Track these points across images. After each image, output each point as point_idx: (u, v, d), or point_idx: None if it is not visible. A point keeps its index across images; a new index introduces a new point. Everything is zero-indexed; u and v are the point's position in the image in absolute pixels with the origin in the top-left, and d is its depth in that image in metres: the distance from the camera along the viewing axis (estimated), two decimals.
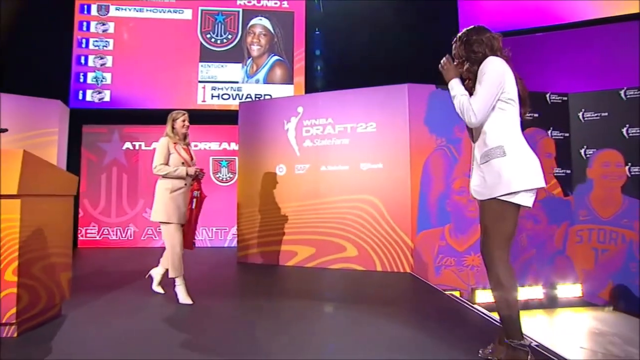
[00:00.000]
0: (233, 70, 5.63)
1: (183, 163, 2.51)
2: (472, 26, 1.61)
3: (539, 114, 3.52)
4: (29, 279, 1.75)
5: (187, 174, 2.46)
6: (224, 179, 5.45)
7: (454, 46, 1.63)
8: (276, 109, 3.95)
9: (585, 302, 3.28)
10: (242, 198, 4.05)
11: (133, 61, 5.49)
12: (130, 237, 5.21)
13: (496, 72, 1.51)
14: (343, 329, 1.97)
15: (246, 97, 5.61)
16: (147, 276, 2.71)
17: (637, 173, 3.27)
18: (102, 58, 5.49)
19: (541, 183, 1.49)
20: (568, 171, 3.50)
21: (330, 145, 3.68)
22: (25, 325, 1.77)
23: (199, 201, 2.58)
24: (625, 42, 3.80)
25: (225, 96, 5.60)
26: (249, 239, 3.95)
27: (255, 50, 5.69)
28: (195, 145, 5.41)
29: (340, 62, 5.38)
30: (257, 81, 5.67)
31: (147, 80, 5.49)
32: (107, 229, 5.20)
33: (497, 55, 1.54)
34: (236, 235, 4.18)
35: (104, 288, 2.77)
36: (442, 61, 1.64)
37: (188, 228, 2.51)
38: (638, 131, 3.30)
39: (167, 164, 2.48)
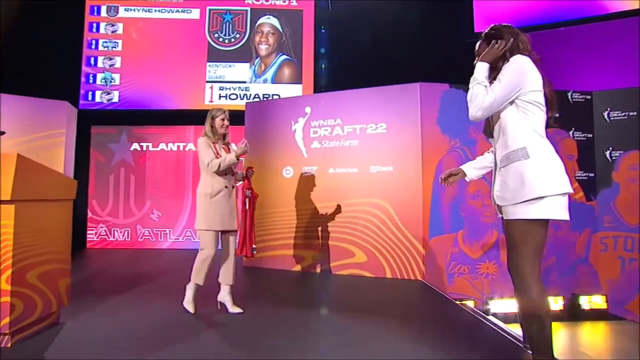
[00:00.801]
0: (241, 70, 5.57)
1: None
2: (495, 24, 1.56)
3: (560, 113, 3.30)
4: (23, 287, 1.70)
5: (237, 157, 2.25)
6: None
7: (478, 43, 1.58)
8: (283, 109, 3.87)
9: (611, 314, 3.08)
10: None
11: (141, 62, 5.49)
12: (140, 238, 5.21)
13: (517, 73, 1.43)
14: (352, 343, 1.86)
15: (254, 97, 5.54)
16: (218, 307, 2.35)
17: None
18: (111, 59, 5.51)
19: (568, 188, 1.40)
20: (591, 174, 3.30)
21: (338, 147, 3.58)
22: (19, 335, 1.72)
23: (252, 201, 2.48)
24: None
25: (233, 96, 5.55)
26: (255, 243, 3.86)
27: (263, 49, 5.62)
28: None
29: (349, 61, 5.26)
30: (265, 81, 5.60)
31: (154, 80, 5.48)
32: (115, 230, 5.21)
33: (525, 55, 1.46)
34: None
35: (108, 292, 2.72)
36: (478, 43, 1.58)
37: (244, 233, 2.40)
38: None
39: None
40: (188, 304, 2.27)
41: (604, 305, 3.06)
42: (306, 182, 3.63)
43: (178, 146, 5.37)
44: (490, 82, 1.51)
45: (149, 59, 5.49)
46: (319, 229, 3.58)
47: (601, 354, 2.71)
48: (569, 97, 3.39)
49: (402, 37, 4.95)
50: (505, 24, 1.55)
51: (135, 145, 5.34)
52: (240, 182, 2.54)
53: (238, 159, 2.28)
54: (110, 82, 5.48)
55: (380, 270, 3.32)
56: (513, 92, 1.43)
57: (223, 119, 2.40)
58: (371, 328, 2.04)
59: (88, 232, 5.16)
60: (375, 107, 3.48)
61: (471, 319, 2.32)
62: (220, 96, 5.56)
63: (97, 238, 5.19)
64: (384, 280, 3.25)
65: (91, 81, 5.48)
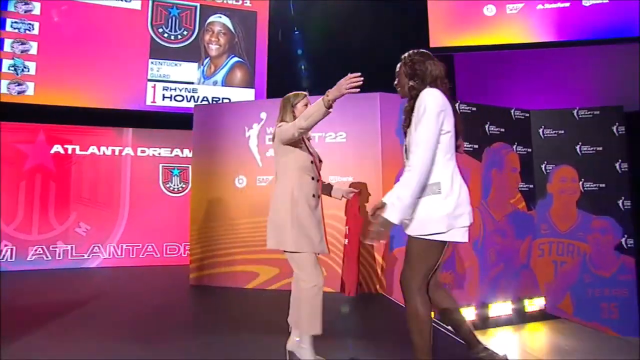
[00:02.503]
0: (188, 70, 5.15)
1: (312, 162, 1.82)
2: (416, 50, 1.63)
3: (505, 128, 3.57)
4: None
5: (327, 104, 1.57)
6: (175, 189, 4.93)
7: (398, 66, 1.64)
8: (236, 113, 3.61)
9: (548, 314, 3.33)
10: (195, 212, 3.61)
11: (66, 51, 4.74)
12: (59, 256, 4.45)
13: (436, 108, 1.47)
14: None
15: (202, 100, 5.15)
16: (287, 358, 1.83)
17: (589, 188, 3.43)
18: (23, 43, 4.67)
19: (469, 221, 1.50)
20: (531, 186, 3.58)
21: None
22: None
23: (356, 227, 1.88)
24: (579, 64, 4.05)
25: (179, 97, 5.10)
26: (204, 259, 3.53)
27: (213, 49, 5.26)
28: (143, 151, 4.83)
29: (310, 66, 5.16)
30: (215, 83, 5.25)
31: (84, 74, 4.78)
32: (27, 248, 4.39)
33: (435, 85, 1.53)
34: (188, 254, 3.75)
35: (10, 331, 2.19)
36: (398, 66, 1.63)
37: (356, 267, 1.87)
38: (589, 149, 3.48)
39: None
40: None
41: (544, 307, 3.31)
42: (261, 193, 3.42)
43: (113, 150, 4.74)
44: (409, 118, 1.55)
45: (76, 48, 4.78)
46: None
47: (542, 352, 2.90)
48: (512, 114, 3.65)
49: (362, 45, 5.00)
50: (421, 50, 1.62)
51: (58, 148, 4.59)
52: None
53: (329, 106, 1.59)
54: (23, 70, 4.65)
55: (340, 284, 3.21)
56: (439, 127, 1.47)
57: (306, 105, 1.87)
58: (332, 352, 1.90)
59: None
60: (335, 115, 3.38)
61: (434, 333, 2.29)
62: (164, 97, 5.07)
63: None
64: (344, 295, 3.14)
65: None
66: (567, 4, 3.71)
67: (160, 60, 5.07)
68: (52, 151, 4.55)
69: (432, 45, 3.90)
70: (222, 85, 5.26)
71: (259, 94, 5.28)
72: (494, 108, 3.60)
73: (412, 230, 1.50)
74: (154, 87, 5.04)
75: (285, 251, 1.74)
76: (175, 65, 5.12)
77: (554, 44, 3.78)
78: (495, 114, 3.56)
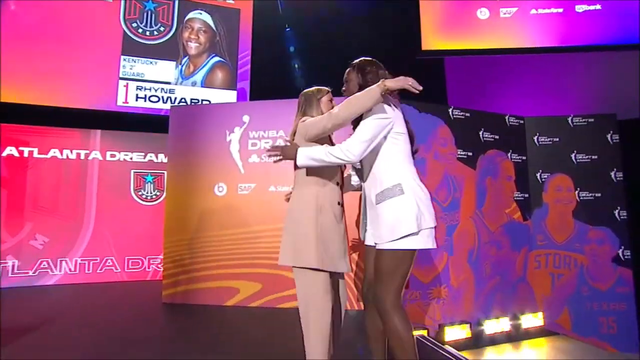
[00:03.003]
0: (165, 69, 5.08)
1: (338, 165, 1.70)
2: (368, 58, 1.73)
3: (499, 135, 3.66)
4: None
5: (384, 91, 1.47)
6: (149, 198, 4.81)
7: (347, 71, 1.73)
8: (217, 116, 3.57)
9: (546, 330, 3.38)
10: (170, 222, 3.53)
11: (27, 43, 4.58)
12: (9, 273, 4.23)
13: (379, 117, 1.56)
14: None
15: (180, 101, 5.09)
16: None
17: (585, 198, 3.54)
18: None
19: (434, 222, 1.58)
20: (526, 195, 3.66)
21: (281, 162, 3.39)
22: None
23: None
24: (573, 70, 4.22)
25: (154, 98, 5.01)
26: (179, 274, 3.43)
27: (192, 47, 5.22)
28: (113, 155, 4.71)
29: (292, 68, 5.18)
30: (194, 83, 5.20)
31: (46, 69, 4.63)
32: None
33: (384, 95, 1.58)
34: (162, 269, 3.64)
35: None
36: (347, 71, 1.73)
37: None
38: (584, 157, 3.60)
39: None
40: None
41: (541, 322, 3.35)
42: (242, 202, 3.39)
43: (78, 154, 4.59)
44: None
45: (39, 41, 4.63)
46: (258, 255, 3.31)
47: None
48: (507, 120, 3.75)
49: (351, 46, 5.05)
50: (372, 59, 1.71)
51: (12, 150, 4.40)
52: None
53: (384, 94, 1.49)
54: None
55: None
56: (381, 132, 1.57)
57: (331, 100, 1.81)
58: None
59: None
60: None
61: (427, 350, 2.28)
62: (137, 97, 4.97)
63: None
64: None
65: None
66: (560, 10, 3.88)
67: (134, 58, 4.99)
68: (4, 154, 4.36)
69: (424, 48, 4.00)
70: (202, 86, 5.21)
71: (241, 96, 5.26)
72: (488, 114, 3.69)
73: (382, 239, 1.54)
74: (127, 86, 4.94)
75: (295, 267, 1.63)
76: (151, 63, 5.04)
77: (546, 49, 3.94)
78: (489, 120, 3.65)
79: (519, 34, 4.05)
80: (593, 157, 3.51)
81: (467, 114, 3.56)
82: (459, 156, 3.48)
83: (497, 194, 3.55)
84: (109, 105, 4.81)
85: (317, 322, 1.58)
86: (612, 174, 3.46)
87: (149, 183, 4.84)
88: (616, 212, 3.40)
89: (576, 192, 3.54)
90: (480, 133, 3.59)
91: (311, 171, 1.68)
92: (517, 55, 4.14)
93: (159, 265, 4.63)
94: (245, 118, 3.49)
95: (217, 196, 3.46)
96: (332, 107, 1.80)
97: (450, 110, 3.50)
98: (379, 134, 1.56)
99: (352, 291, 3.23)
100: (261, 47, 5.34)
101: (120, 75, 4.92)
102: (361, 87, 1.65)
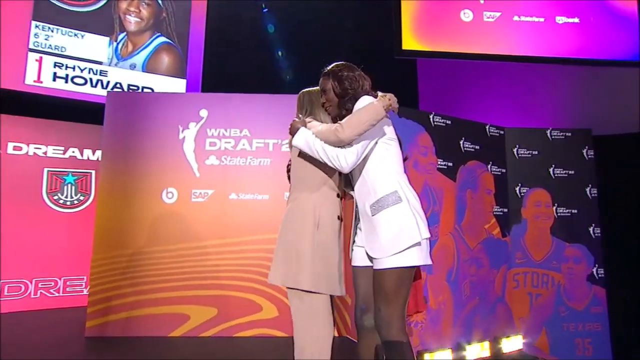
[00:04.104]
0: (95, 45, 4.80)
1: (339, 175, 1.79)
2: (341, 62, 1.84)
3: (480, 146, 3.96)
4: None
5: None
6: (68, 203, 4.50)
7: (321, 80, 1.84)
8: (169, 108, 3.49)
9: (525, 355, 3.69)
10: (102, 234, 3.35)
11: None
12: None
13: (376, 112, 1.65)
14: None
15: (114, 87, 4.85)
16: None
17: (562, 214, 3.96)
18: None
19: (428, 233, 1.69)
20: (505, 210, 4.00)
21: (244, 166, 3.41)
22: None
23: None
24: (552, 81, 4.71)
25: (79, 80, 4.71)
26: (111, 299, 3.27)
27: (132, 23, 5.01)
28: (18, 148, 4.33)
29: (265, 63, 5.16)
30: (134, 67, 4.98)
31: None
32: None
33: (371, 95, 1.73)
34: (86, 293, 3.43)
35: None
36: (321, 80, 1.84)
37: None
38: (562, 172, 4.04)
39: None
40: None
41: (521, 346, 3.66)
42: (197, 211, 3.33)
43: None
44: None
45: None
46: (214, 275, 3.25)
47: None
48: (487, 130, 4.08)
49: (329, 42, 5.17)
50: (346, 63, 1.84)
51: None
52: None
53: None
54: None
55: None
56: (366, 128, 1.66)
57: None
58: None
59: None
60: (285, 119, 3.46)
61: None
62: (56, 76, 4.63)
63: None
64: None
65: None
66: (542, 19, 4.36)
67: (51, 26, 4.62)
68: None
69: (404, 47, 4.24)
70: (143, 71, 5.02)
71: (192, 86, 5.15)
72: (470, 123, 4.00)
73: (385, 253, 1.59)
74: (39, 60, 4.55)
75: (289, 288, 1.66)
76: (75, 35, 4.73)
77: (527, 58, 4.38)
78: (470, 129, 3.95)
79: (500, 41, 4.46)
80: (570, 172, 3.94)
81: (448, 122, 3.82)
82: (439, 166, 3.72)
83: (477, 208, 3.84)
84: (13, 83, 4.41)
85: (313, 355, 1.60)
86: (588, 190, 3.92)
87: (69, 185, 4.54)
88: (591, 229, 3.84)
89: (554, 207, 3.94)
90: (461, 142, 3.88)
91: (311, 180, 1.73)
92: (496, 62, 4.54)
93: (82, 289, 4.34)
94: (203, 112, 3.45)
95: (165, 203, 3.36)
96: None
97: (431, 116, 3.73)
98: (369, 144, 1.68)
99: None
100: (218, 28, 5.25)
101: (31, 47, 4.53)
102: (340, 96, 1.76)
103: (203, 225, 3.31)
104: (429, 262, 1.69)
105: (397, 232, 1.59)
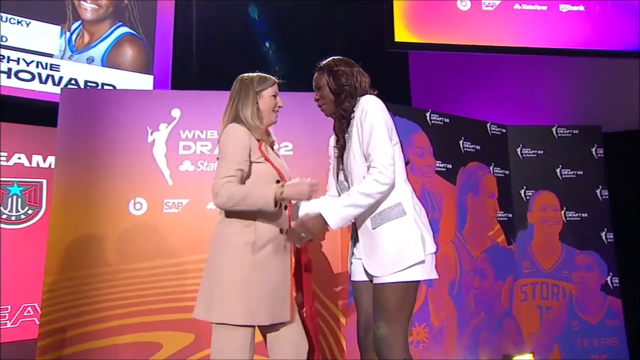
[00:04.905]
0: (44, 34, 4.67)
1: (279, 181, 1.80)
2: (338, 57, 1.89)
3: (481, 146, 4.06)
4: None
5: (277, 204, 1.66)
6: (13, 218, 4.39)
7: (315, 75, 1.89)
8: (135, 107, 3.44)
9: None
10: (54, 253, 3.25)
11: None
12: None
13: (385, 116, 1.74)
14: None
15: (68, 83, 4.74)
16: None
17: (572, 218, 4.08)
18: None
19: (435, 247, 1.75)
20: (510, 215, 4.10)
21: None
22: None
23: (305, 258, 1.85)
24: (557, 74, 4.87)
25: (25, 75, 4.60)
26: (67, 328, 3.17)
27: (88, 10, 4.92)
28: None
29: (254, 59, 5.12)
30: (91, 60, 4.89)
31: None
32: None
33: (370, 94, 1.80)
34: (36, 322, 3.29)
35: None
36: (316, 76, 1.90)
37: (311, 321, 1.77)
38: (570, 172, 4.16)
39: (242, 181, 1.70)
40: None
41: None
42: (170, 224, 3.29)
43: None
44: (342, 140, 1.83)
45: None
46: (190, 296, 3.19)
47: None
48: (488, 128, 4.18)
49: (317, 32, 5.20)
50: (343, 58, 1.90)
51: None
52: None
53: (278, 205, 1.68)
54: None
55: None
56: (391, 135, 1.75)
57: (275, 95, 1.92)
58: None
59: None
60: (278, 119, 3.47)
61: None
62: None
63: None
64: None
65: None
66: (545, 7, 4.51)
67: None
68: None
69: (397, 39, 4.32)
70: (103, 65, 4.92)
71: (160, 83, 5.08)
72: (469, 120, 4.09)
73: (384, 270, 1.63)
74: None
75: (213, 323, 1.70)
76: (19, 23, 4.61)
77: (529, 50, 4.52)
78: (470, 128, 4.04)
79: (501, 31, 4.59)
80: (578, 172, 4.07)
81: (447, 120, 3.91)
82: (438, 169, 3.79)
83: (479, 213, 3.92)
84: None
85: None
86: (598, 191, 4.05)
87: (15, 196, 4.42)
88: (603, 234, 3.97)
89: (562, 211, 4.06)
90: (461, 142, 3.97)
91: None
92: (497, 54, 4.67)
93: (31, 317, 4.22)
94: (175, 112, 3.41)
95: (133, 215, 3.30)
96: (275, 105, 1.94)
97: (427, 114, 3.81)
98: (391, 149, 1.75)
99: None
100: (190, 17, 5.21)
101: None
102: (336, 92, 1.79)
103: (177, 240, 3.26)
104: (435, 275, 1.73)
105: (400, 248, 1.63)
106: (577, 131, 4.14)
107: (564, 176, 4.15)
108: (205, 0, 5.28)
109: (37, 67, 4.66)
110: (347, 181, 1.84)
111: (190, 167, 3.37)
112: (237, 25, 5.22)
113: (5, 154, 4.41)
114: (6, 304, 4.20)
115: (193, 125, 3.41)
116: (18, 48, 4.58)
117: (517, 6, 4.45)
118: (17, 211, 4.41)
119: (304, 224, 1.66)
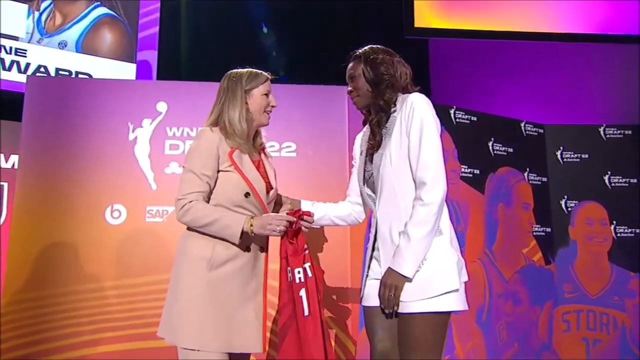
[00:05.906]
0: (8, 14, 4.69)
1: (248, 194, 1.83)
2: (376, 45, 1.93)
3: (514, 148, 4.04)
4: None
5: (243, 234, 1.75)
6: None
7: (350, 65, 1.92)
8: (114, 100, 3.46)
9: None
10: (15, 269, 3.27)
11: None
12: None
13: (435, 121, 1.74)
14: None
15: (36, 71, 4.78)
16: None
17: (623, 234, 4.01)
18: None
19: (466, 276, 1.77)
20: (548, 229, 4.06)
21: None
22: None
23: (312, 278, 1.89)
24: (603, 65, 4.83)
25: None
26: (31, 356, 3.17)
27: None
28: None
29: (253, 51, 5.17)
30: (63, 45, 4.95)
31: None
32: None
33: (407, 92, 1.82)
34: None
35: None
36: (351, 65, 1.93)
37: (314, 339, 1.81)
38: (620, 180, 4.10)
39: (209, 194, 1.80)
40: None
41: None
42: (154, 234, 3.31)
43: None
44: (379, 136, 1.81)
45: None
46: None
47: None
48: (522, 128, 4.17)
49: (326, 17, 5.23)
50: (383, 47, 1.92)
51: None
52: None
53: (243, 240, 1.77)
54: None
55: None
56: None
57: (267, 94, 1.96)
58: None
59: None
60: (279, 116, 3.45)
61: None
62: None
63: None
64: None
65: None
66: None
67: None
68: None
69: (417, 25, 4.33)
70: (77, 51, 5.00)
71: (143, 73, 5.13)
72: (500, 119, 4.08)
73: (411, 296, 1.62)
74: None
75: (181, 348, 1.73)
76: None
77: (571, 36, 4.49)
78: (501, 128, 4.02)
79: (539, 15, 4.58)
80: (631, 180, 4.03)
81: (474, 118, 3.90)
82: (463, 174, 3.77)
83: (511, 227, 3.88)
84: None
85: None
86: None
87: None
88: None
89: (612, 226, 4.00)
90: (490, 144, 3.95)
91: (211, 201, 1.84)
92: (532, 42, 4.66)
93: None
94: (161, 106, 3.44)
95: (110, 225, 3.32)
96: (267, 105, 1.97)
97: (452, 111, 3.80)
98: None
99: None
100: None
101: None
102: (373, 82, 1.80)
103: (160, 254, 3.25)
104: (466, 307, 1.73)
105: (433, 272, 1.63)
106: (629, 132, 4.10)
107: (613, 184, 4.10)
108: None
109: (0, 51, 4.71)
110: (373, 187, 1.82)
111: (177, 170, 3.36)
112: (232, 8, 5.27)
113: None
114: None
115: (181, 122, 3.43)
116: None
117: None
118: None
119: (386, 285, 1.68)
